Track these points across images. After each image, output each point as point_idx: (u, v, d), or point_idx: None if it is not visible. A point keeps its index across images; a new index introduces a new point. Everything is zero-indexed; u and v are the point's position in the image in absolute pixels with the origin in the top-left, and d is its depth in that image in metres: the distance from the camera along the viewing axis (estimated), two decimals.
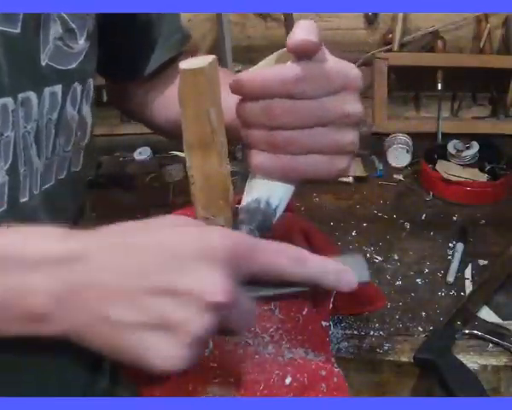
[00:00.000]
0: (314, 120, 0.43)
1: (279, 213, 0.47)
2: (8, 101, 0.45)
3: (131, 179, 1.28)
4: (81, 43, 0.52)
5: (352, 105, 0.44)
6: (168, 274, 0.35)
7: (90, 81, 0.56)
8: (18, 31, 0.45)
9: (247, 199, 0.47)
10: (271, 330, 0.51)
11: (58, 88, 0.50)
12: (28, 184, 0.48)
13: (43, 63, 0.48)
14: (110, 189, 1.26)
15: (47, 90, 0.49)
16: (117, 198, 1.22)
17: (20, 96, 0.46)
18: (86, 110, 0.55)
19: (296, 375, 0.49)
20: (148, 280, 0.35)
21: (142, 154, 1.39)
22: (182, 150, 0.46)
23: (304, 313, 0.53)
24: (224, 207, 0.48)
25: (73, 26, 0.50)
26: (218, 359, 0.49)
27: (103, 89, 1.46)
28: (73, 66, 0.52)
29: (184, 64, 0.43)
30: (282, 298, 0.52)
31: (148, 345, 0.36)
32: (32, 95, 0.47)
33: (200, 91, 0.43)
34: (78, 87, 0.53)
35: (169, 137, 0.79)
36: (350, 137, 0.44)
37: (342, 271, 0.41)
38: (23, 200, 0.48)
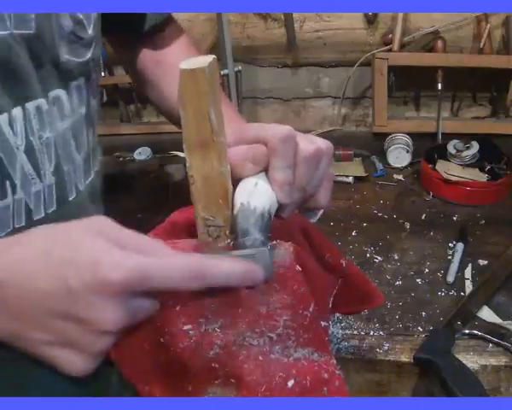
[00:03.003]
0: None
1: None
2: (41, 102, 0.45)
3: (131, 179, 1.29)
4: (90, 32, 0.53)
5: None
6: (66, 304, 0.39)
7: (98, 70, 0.57)
8: (33, 31, 0.45)
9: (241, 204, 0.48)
10: (279, 329, 0.50)
11: (81, 81, 0.51)
12: (73, 182, 0.49)
13: (64, 59, 0.49)
14: (110, 189, 1.26)
15: (73, 85, 0.50)
16: (117, 198, 1.22)
17: (51, 94, 0.46)
18: (97, 99, 0.57)
19: (299, 377, 0.49)
20: (50, 309, 0.39)
21: (142, 154, 1.39)
22: (182, 150, 0.46)
23: (310, 309, 0.52)
24: (223, 207, 0.48)
25: (81, 17, 0.51)
26: (219, 359, 0.49)
27: (103, 89, 1.47)
28: (89, 56, 0.52)
29: (184, 64, 0.43)
30: None
31: (56, 357, 0.41)
32: (62, 92, 0.48)
33: (200, 91, 0.43)
34: (94, 77, 0.54)
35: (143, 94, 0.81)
36: None
37: (248, 272, 0.43)
38: (71, 198, 0.49)
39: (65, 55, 0.49)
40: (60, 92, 0.48)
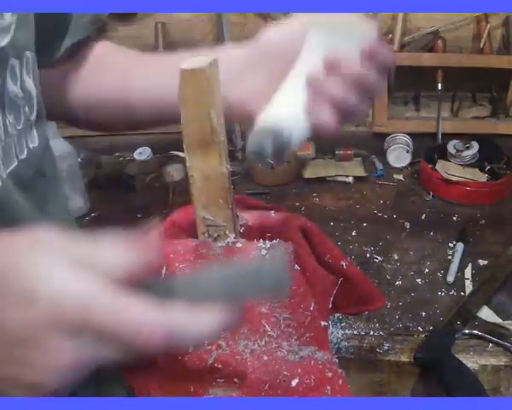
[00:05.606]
0: None
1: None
2: None
3: (131, 179, 1.28)
4: (7, 17, 0.50)
5: None
6: (14, 348, 0.35)
7: (28, 54, 0.54)
8: None
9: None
10: (280, 328, 0.50)
11: None
12: None
13: None
14: (110, 189, 1.26)
15: None
16: (117, 198, 1.22)
17: None
18: (29, 84, 0.54)
19: (304, 376, 0.48)
20: None
21: (142, 154, 1.39)
22: (182, 150, 0.47)
23: (311, 309, 0.52)
24: (223, 206, 0.48)
25: None
26: (223, 359, 0.49)
27: None
28: (5, 42, 0.49)
29: (184, 64, 0.43)
30: None
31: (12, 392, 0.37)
32: None
33: (200, 91, 0.43)
34: (15, 62, 0.52)
35: (83, 126, 0.72)
36: None
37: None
38: None
39: None
40: None
